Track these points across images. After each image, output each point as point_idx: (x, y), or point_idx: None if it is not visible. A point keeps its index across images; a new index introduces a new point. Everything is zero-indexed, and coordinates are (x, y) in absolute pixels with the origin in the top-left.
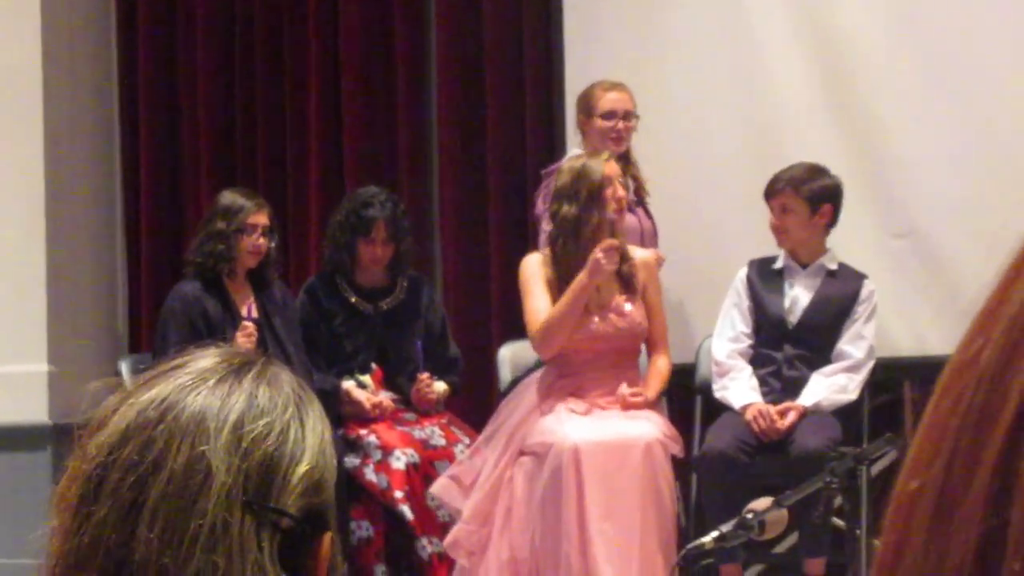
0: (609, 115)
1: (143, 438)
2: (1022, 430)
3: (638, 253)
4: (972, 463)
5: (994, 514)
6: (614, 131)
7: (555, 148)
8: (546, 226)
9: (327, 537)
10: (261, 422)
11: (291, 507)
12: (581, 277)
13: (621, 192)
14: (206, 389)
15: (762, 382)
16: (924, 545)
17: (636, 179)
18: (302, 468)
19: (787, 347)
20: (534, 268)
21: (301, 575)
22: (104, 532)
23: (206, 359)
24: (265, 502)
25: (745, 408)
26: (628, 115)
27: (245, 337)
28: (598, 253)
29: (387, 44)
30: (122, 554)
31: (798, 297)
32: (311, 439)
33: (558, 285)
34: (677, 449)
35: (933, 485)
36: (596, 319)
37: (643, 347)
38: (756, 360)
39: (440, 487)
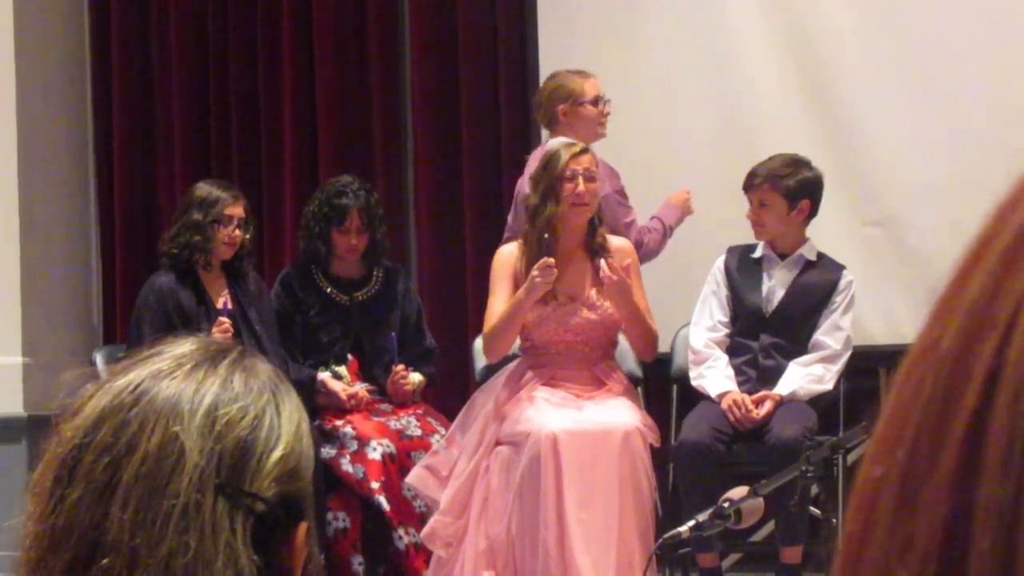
0: (597, 100)
1: (117, 421)
2: (985, 411)
3: (614, 242)
4: (936, 446)
5: (959, 495)
6: (603, 115)
7: (529, 138)
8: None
9: (303, 527)
10: (235, 406)
11: (265, 492)
12: (519, 293)
13: (582, 188)
14: (181, 374)
15: (738, 371)
16: (889, 531)
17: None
18: (277, 454)
19: (763, 336)
20: (501, 264)
21: (275, 563)
22: (78, 514)
23: (183, 346)
24: (238, 486)
25: (721, 397)
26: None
27: (221, 333)
28: (534, 271)
29: (360, 35)
30: (95, 535)
31: (775, 287)
32: (287, 426)
33: (525, 276)
34: (654, 438)
35: (897, 471)
36: (568, 312)
37: (619, 338)
38: (733, 349)
39: (416, 477)
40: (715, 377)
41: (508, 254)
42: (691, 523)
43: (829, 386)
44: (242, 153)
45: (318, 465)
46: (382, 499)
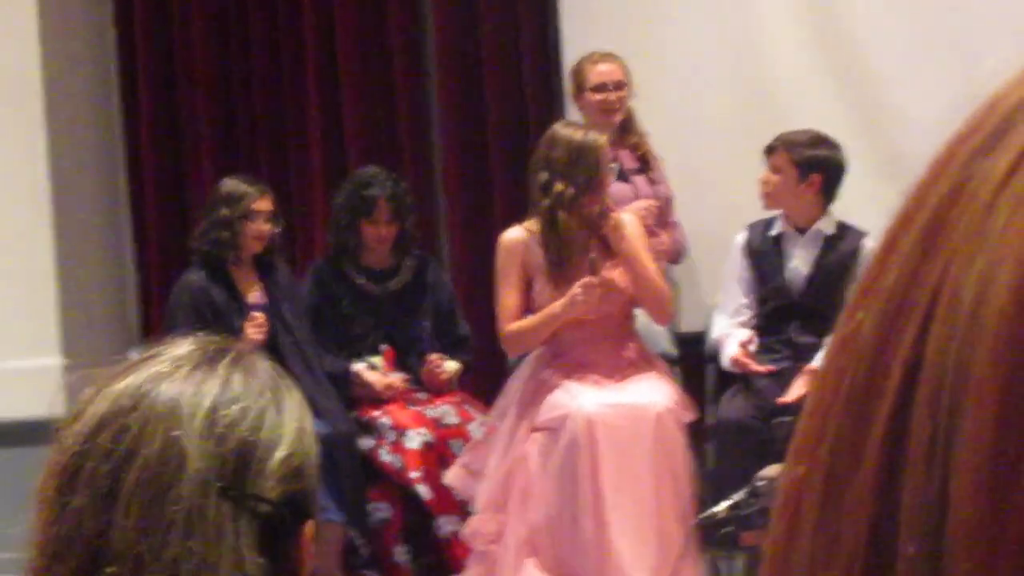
0: (599, 88)
1: (117, 426)
2: (905, 408)
3: (624, 217)
4: (858, 444)
5: (884, 496)
6: (605, 103)
7: (555, 121)
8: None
9: (309, 525)
10: (236, 407)
11: (269, 493)
12: (556, 308)
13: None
14: (180, 376)
15: (771, 349)
16: (814, 533)
17: (638, 147)
18: (280, 454)
19: (794, 315)
20: (507, 252)
21: (282, 562)
22: (81, 521)
23: (181, 347)
24: (241, 488)
25: (733, 362)
26: (620, 85)
27: (255, 328)
28: (576, 289)
29: (383, 24)
30: (99, 543)
31: (798, 267)
32: (289, 425)
33: (551, 268)
34: (688, 416)
35: (820, 469)
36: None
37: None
38: (764, 328)
39: (454, 477)
40: (726, 351)
41: (513, 240)
42: (727, 502)
43: None
44: (270, 147)
45: (356, 456)
46: (422, 488)
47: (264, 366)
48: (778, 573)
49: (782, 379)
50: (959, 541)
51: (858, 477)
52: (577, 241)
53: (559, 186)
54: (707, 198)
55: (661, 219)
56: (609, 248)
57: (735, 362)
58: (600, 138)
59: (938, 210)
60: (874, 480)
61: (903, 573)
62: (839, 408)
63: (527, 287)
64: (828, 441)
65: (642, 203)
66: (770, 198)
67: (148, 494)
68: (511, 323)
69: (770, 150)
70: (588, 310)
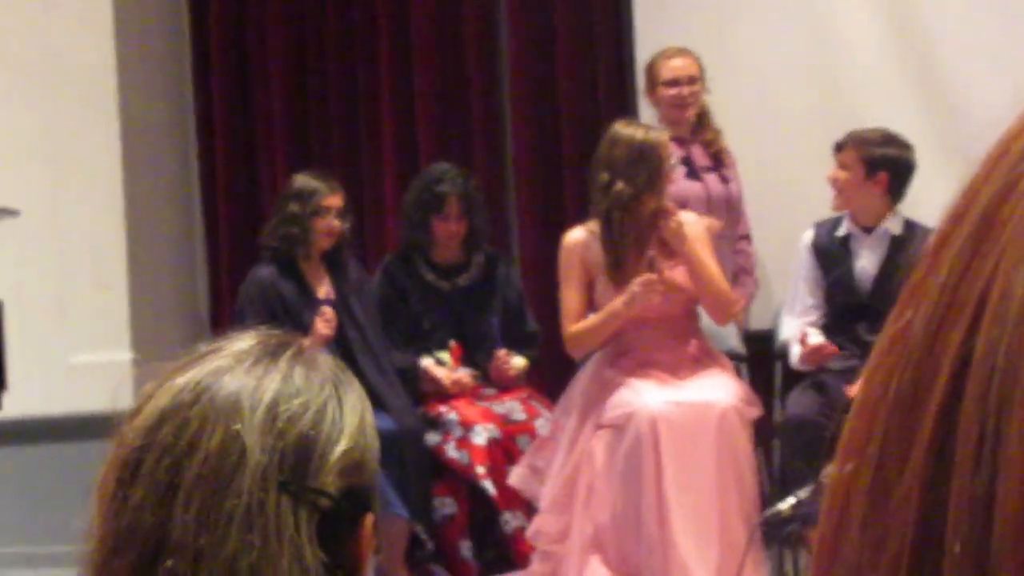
0: (672, 83)
1: (178, 420)
2: (954, 406)
3: (683, 216)
4: (906, 441)
5: (931, 494)
6: (678, 98)
7: (628, 117)
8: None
9: (369, 518)
10: (296, 401)
11: (329, 487)
12: (616, 305)
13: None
14: (241, 370)
15: (840, 347)
16: (861, 530)
17: (712, 144)
18: (340, 448)
19: (862, 314)
20: (568, 252)
21: (342, 555)
22: (141, 515)
23: (242, 341)
24: (302, 482)
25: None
26: (692, 80)
27: (324, 323)
28: (636, 287)
29: (457, 21)
30: (159, 536)
31: (865, 267)
32: (350, 419)
33: (610, 268)
34: (755, 412)
35: (868, 467)
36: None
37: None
38: (833, 327)
39: (518, 477)
40: (794, 351)
41: (574, 241)
42: (793, 500)
43: None
44: (342, 142)
45: (423, 451)
46: (488, 484)
47: (325, 360)
48: (826, 570)
49: (850, 377)
50: (1006, 539)
51: (906, 475)
52: (635, 240)
53: (619, 185)
54: (778, 195)
55: (732, 217)
56: (669, 247)
57: (807, 351)
58: (662, 136)
59: (989, 208)
60: (922, 478)
61: (950, 571)
62: (888, 406)
63: (590, 288)
64: (876, 439)
65: (706, 223)
66: (838, 195)
67: (208, 488)
68: (574, 324)
69: (839, 147)
70: (648, 308)
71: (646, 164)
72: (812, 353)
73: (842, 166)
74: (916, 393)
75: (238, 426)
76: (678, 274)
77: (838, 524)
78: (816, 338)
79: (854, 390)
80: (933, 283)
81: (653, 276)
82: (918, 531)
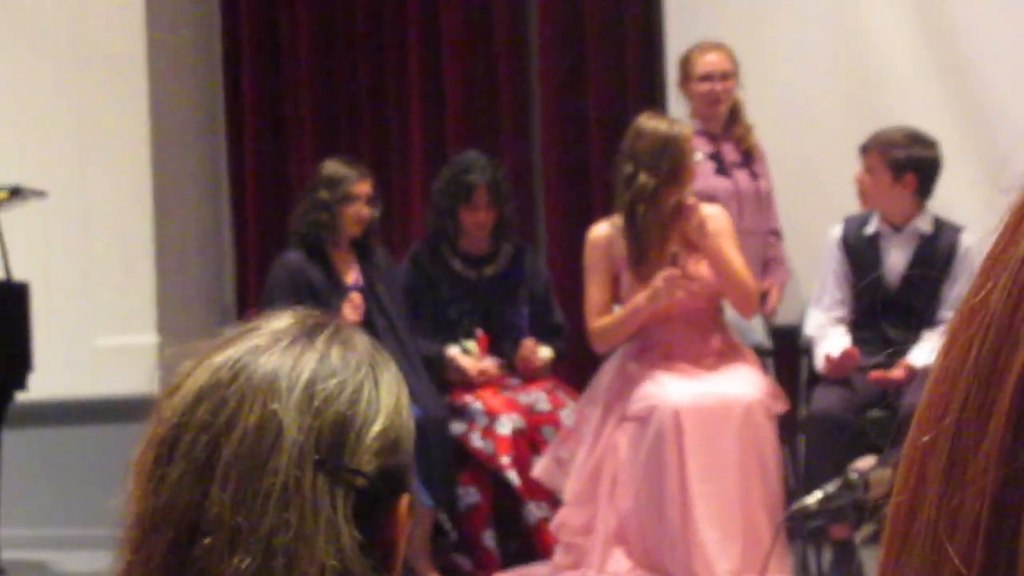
0: (706, 77)
1: (216, 399)
2: None
3: (708, 210)
4: (985, 412)
5: (1009, 463)
6: (711, 93)
7: (656, 109)
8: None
9: (405, 498)
10: (333, 381)
11: (365, 467)
12: (639, 300)
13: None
14: (279, 350)
15: (866, 344)
16: (938, 500)
17: (743, 140)
18: (376, 427)
19: (889, 311)
20: (593, 247)
21: (379, 536)
22: (178, 493)
23: (280, 321)
24: (338, 461)
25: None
26: (726, 75)
27: (352, 308)
28: (659, 282)
29: (487, 11)
30: (196, 514)
31: (894, 265)
32: (386, 399)
33: (633, 260)
34: (780, 407)
35: (945, 437)
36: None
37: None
38: (859, 325)
39: (543, 470)
40: (818, 356)
41: (599, 236)
42: (819, 495)
43: None
44: (371, 129)
45: (448, 440)
46: (512, 474)
47: (362, 340)
48: (901, 540)
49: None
50: None
51: (984, 446)
52: (657, 234)
53: (643, 178)
54: (807, 191)
55: (761, 213)
56: (690, 242)
57: (831, 365)
58: (686, 129)
59: None
60: (1000, 448)
61: None
62: (966, 377)
63: (614, 282)
64: (954, 410)
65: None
66: (865, 198)
67: (245, 466)
68: (598, 319)
69: (864, 150)
70: (672, 302)
71: (669, 156)
72: (837, 366)
73: (868, 170)
74: (995, 364)
75: (275, 405)
76: (702, 268)
77: (914, 493)
78: (840, 342)
79: (877, 375)
80: (1012, 255)
81: (676, 271)
82: (995, 501)
